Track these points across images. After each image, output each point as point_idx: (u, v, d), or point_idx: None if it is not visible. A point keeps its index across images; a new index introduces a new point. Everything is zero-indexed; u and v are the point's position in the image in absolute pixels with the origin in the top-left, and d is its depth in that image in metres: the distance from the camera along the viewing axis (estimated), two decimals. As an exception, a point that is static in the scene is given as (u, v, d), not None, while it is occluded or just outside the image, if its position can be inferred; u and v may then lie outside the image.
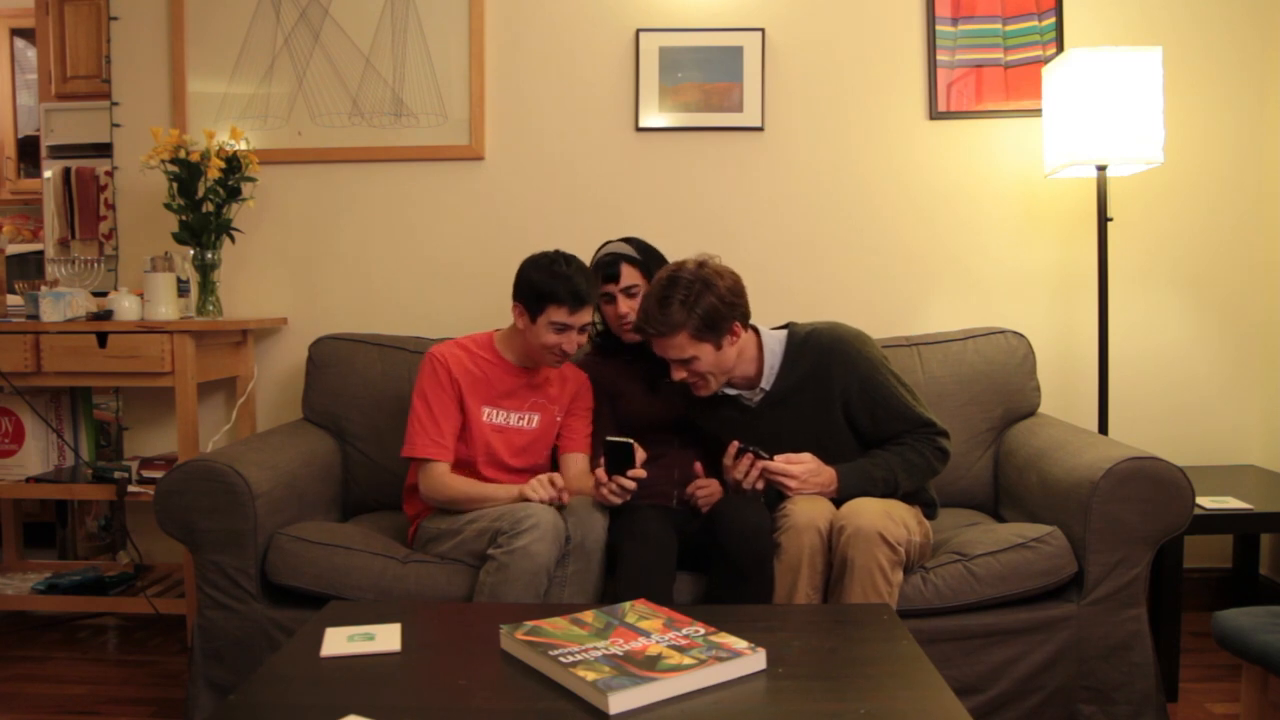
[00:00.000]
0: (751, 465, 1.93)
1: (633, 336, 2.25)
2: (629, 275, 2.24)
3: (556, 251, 2.12)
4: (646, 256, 2.30)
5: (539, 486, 1.99)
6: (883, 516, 1.84)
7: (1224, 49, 2.74)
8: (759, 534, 1.88)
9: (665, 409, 2.24)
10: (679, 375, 1.99)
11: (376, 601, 1.94)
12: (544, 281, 2.06)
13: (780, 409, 2.04)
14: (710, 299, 1.92)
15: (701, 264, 1.98)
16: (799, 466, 1.93)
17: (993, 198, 2.80)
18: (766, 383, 2.04)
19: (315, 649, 1.44)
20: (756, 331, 2.07)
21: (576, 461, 2.23)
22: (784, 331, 2.09)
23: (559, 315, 2.05)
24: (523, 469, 2.19)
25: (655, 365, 2.27)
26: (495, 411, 2.18)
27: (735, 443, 1.95)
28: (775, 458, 1.93)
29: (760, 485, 1.95)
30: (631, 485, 1.93)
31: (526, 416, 2.21)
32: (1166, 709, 2.01)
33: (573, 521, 1.94)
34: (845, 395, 2.01)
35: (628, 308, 2.23)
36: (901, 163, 2.80)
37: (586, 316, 2.10)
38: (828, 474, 1.96)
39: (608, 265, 2.25)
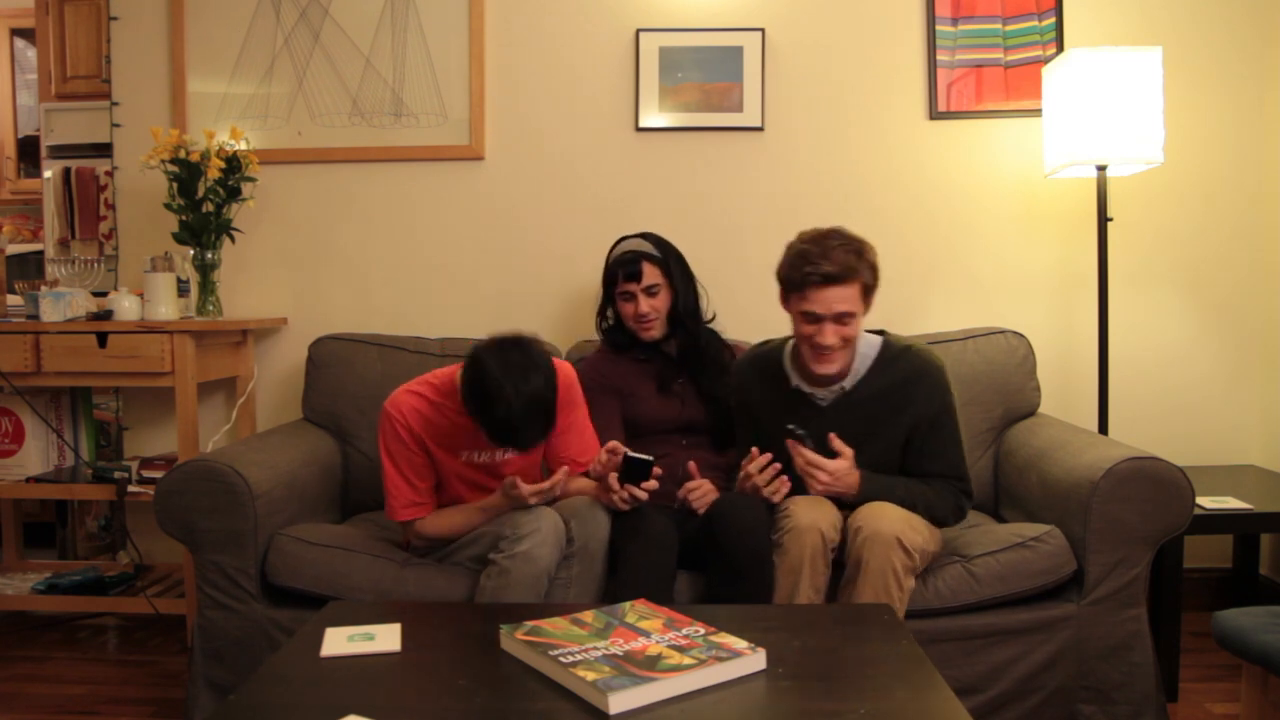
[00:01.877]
0: (798, 454, 1.88)
1: (651, 335, 2.26)
2: (650, 274, 2.25)
3: (507, 379, 1.79)
4: (666, 254, 2.31)
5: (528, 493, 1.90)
6: (902, 522, 1.83)
7: (1224, 49, 2.74)
8: (757, 532, 1.88)
9: (674, 409, 2.24)
10: (831, 338, 1.87)
11: (376, 601, 1.94)
12: (479, 410, 1.83)
13: (851, 412, 1.99)
14: (872, 256, 1.91)
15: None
16: (834, 463, 1.90)
17: (993, 198, 2.80)
18: (849, 381, 1.99)
19: (315, 649, 1.44)
20: None
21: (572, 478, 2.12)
22: (879, 337, 2.05)
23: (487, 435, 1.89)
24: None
25: (665, 365, 2.27)
26: (474, 453, 2.05)
27: (766, 455, 1.91)
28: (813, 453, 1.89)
29: (778, 499, 1.92)
30: (643, 496, 1.93)
31: (509, 451, 2.05)
32: (1166, 709, 2.01)
33: (575, 523, 1.93)
34: (917, 420, 1.98)
35: (648, 307, 2.25)
36: (901, 163, 2.80)
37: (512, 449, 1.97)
38: (854, 478, 1.93)
39: (629, 263, 2.25)
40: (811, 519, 1.85)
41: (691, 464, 2.12)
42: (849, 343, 1.92)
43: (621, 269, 2.26)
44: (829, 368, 1.93)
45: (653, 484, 1.93)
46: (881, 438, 1.99)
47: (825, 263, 1.86)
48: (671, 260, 2.31)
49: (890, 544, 1.80)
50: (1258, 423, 2.80)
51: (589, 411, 2.24)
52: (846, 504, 1.95)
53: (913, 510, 1.95)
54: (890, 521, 1.83)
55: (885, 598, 1.80)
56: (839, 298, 1.87)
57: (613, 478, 1.94)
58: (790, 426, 1.91)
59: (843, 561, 1.89)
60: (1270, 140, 2.75)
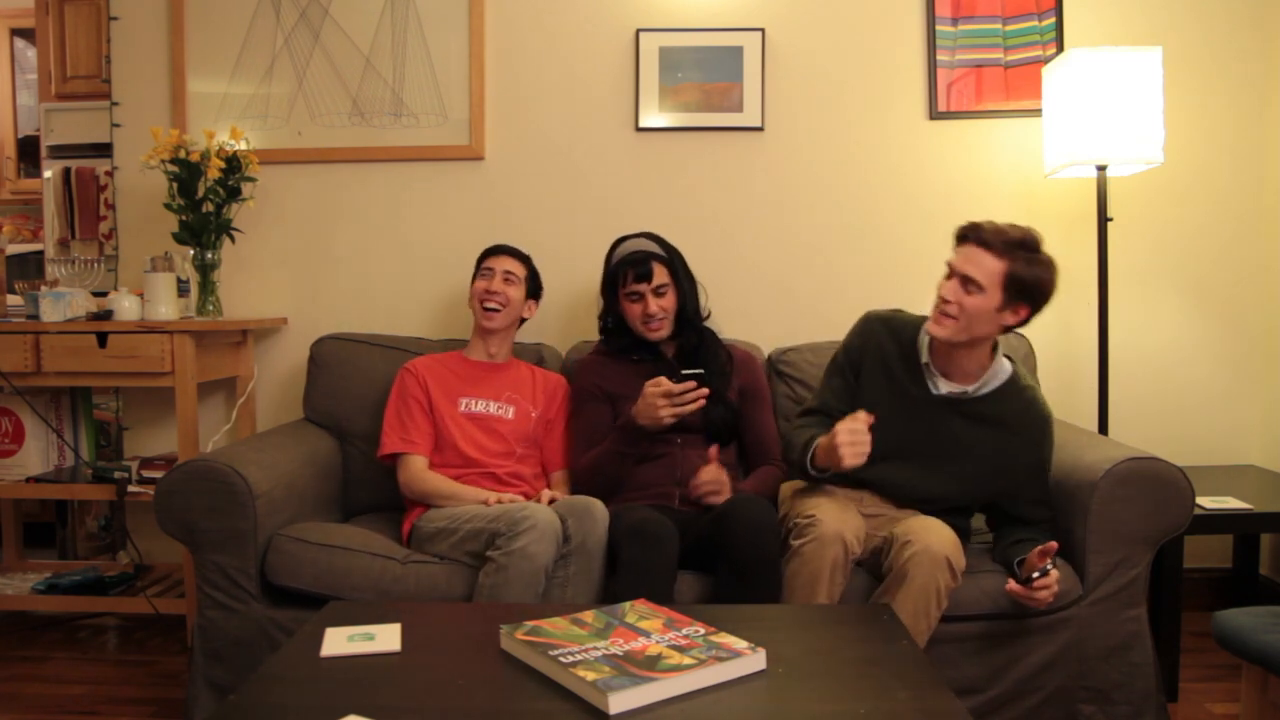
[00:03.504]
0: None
1: (659, 335, 2.27)
2: (660, 274, 2.25)
3: None
4: (670, 253, 2.31)
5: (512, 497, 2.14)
6: (953, 543, 1.82)
7: (1224, 49, 2.74)
8: (766, 533, 1.87)
9: None
10: (948, 292, 1.89)
11: (376, 601, 1.94)
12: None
13: (958, 416, 1.97)
14: (1043, 275, 1.86)
15: (1053, 265, 1.90)
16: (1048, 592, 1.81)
17: (993, 198, 2.80)
18: (976, 389, 1.96)
19: (315, 649, 1.44)
20: (994, 351, 1.99)
21: (562, 480, 2.34)
22: (1011, 366, 2.01)
23: (484, 263, 2.41)
24: (509, 463, 2.24)
25: (659, 365, 2.27)
26: (473, 401, 2.32)
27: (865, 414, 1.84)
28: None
29: (857, 461, 1.83)
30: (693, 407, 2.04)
31: (502, 406, 2.33)
32: (1166, 709, 2.01)
33: (572, 521, 1.94)
34: (1020, 457, 1.97)
35: (657, 307, 2.25)
36: (901, 163, 2.80)
37: (505, 264, 2.40)
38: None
39: (640, 263, 2.24)
40: (837, 529, 1.81)
41: (713, 449, 2.12)
42: (970, 316, 1.87)
43: (632, 269, 2.24)
44: (937, 330, 1.90)
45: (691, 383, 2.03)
46: (975, 456, 1.97)
47: (991, 227, 1.87)
48: (676, 259, 2.32)
49: (940, 563, 1.78)
50: (1258, 423, 2.80)
51: (582, 419, 2.27)
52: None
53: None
54: (941, 541, 1.80)
55: (924, 616, 1.79)
56: (974, 259, 1.86)
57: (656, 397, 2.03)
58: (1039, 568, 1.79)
59: (873, 571, 1.89)
60: (1270, 140, 2.75)
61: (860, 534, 1.86)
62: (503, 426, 2.30)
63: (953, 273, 1.90)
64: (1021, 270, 1.85)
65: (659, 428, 2.08)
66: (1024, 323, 1.91)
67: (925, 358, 1.98)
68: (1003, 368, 1.99)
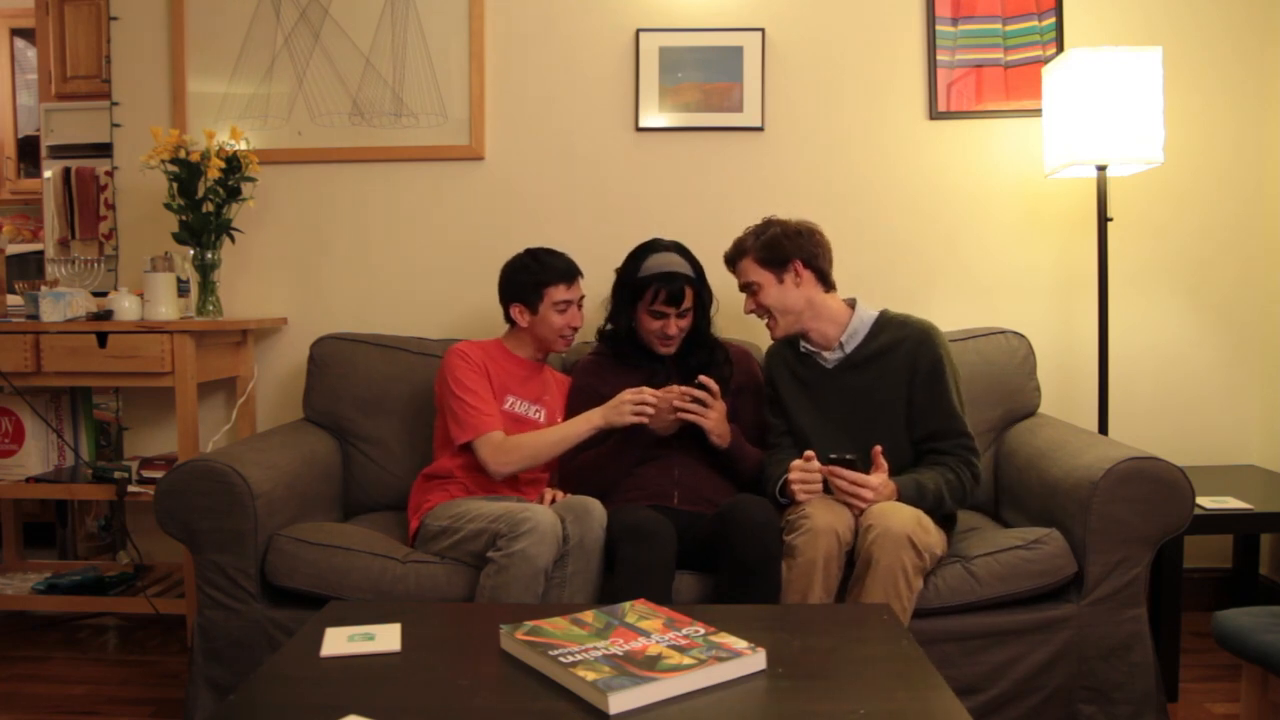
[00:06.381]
0: (840, 477, 1.92)
1: (667, 351, 2.28)
2: (689, 298, 2.24)
3: (525, 251, 2.34)
4: (698, 272, 2.29)
5: (631, 401, 2.10)
6: (913, 522, 1.85)
7: (1224, 49, 2.74)
8: (767, 531, 1.88)
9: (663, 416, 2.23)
10: (749, 307, 2.21)
11: (376, 601, 1.94)
12: (534, 270, 2.27)
13: (855, 374, 2.14)
14: (775, 231, 2.16)
15: (798, 221, 2.21)
16: (876, 479, 1.93)
17: (993, 198, 2.80)
18: (848, 345, 2.14)
19: (315, 649, 1.44)
20: (852, 305, 2.20)
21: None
22: (877, 311, 2.21)
23: (559, 293, 2.26)
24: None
25: (656, 371, 2.27)
26: (516, 401, 2.29)
27: (811, 454, 1.98)
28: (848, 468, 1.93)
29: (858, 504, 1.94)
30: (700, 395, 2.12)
31: (537, 409, 2.31)
32: (1166, 709, 2.01)
33: (570, 520, 1.94)
34: (914, 372, 2.09)
35: (677, 329, 2.25)
36: (901, 163, 2.80)
37: (580, 290, 2.31)
38: (891, 489, 1.96)
39: (671, 281, 2.20)
40: (828, 521, 1.86)
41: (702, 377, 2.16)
42: (779, 309, 2.16)
43: (665, 287, 2.19)
44: (776, 334, 2.21)
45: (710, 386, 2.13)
46: (883, 400, 2.11)
47: (729, 251, 2.24)
48: (701, 277, 2.29)
49: (901, 543, 1.81)
50: (1258, 423, 2.80)
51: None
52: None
53: (940, 507, 1.99)
54: (902, 521, 1.83)
55: (894, 597, 1.80)
56: (738, 273, 2.22)
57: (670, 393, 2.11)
58: (833, 455, 1.94)
59: (852, 560, 1.90)
60: (1270, 140, 2.75)
61: (851, 526, 1.91)
62: (538, 428, 2.26)
63: (743, 292, 2.22)
64: (760, 252, 2.16)
65: (669, 431, 2.15)
66: (821, 275, 2.17)
67: (804, 347, 2.20)
68: (865, 315, 2.18)
